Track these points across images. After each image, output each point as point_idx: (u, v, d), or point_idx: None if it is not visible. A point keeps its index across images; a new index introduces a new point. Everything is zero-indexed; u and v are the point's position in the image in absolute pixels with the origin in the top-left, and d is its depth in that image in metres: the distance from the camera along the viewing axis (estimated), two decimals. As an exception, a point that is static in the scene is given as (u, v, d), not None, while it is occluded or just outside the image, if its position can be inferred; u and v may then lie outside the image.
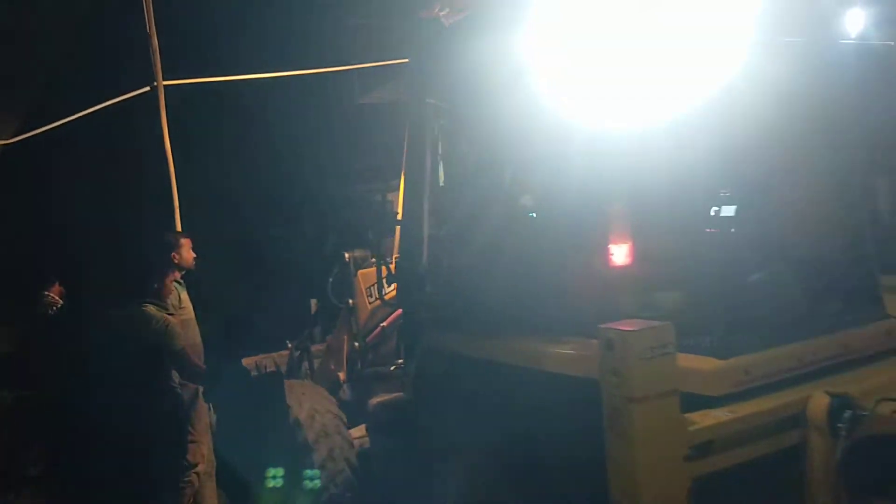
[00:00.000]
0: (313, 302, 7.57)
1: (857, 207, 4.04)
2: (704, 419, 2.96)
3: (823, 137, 3.94)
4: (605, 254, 3.15)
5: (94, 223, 9.68)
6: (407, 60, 4.71)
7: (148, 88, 7.35)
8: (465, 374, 3.84)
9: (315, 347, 7.37)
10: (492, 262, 3.67)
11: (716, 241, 3.50)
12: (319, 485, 5.33)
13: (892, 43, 3.89)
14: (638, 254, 3.20)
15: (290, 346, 7.33)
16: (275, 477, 5.40)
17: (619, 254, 3.17)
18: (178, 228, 7.00)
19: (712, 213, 3.98)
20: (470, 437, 3.77)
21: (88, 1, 8.69)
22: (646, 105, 3.26)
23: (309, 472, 5.32)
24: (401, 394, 5.06)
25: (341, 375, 6.33)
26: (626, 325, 2.79)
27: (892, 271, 4.10)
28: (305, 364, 7.27)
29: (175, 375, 5.60)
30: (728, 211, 3.90)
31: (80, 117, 7.76)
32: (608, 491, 2.85)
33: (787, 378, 3.35)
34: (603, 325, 2.84)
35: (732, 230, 3.72)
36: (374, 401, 5.35)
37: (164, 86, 7.32)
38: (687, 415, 2.97)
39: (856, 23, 3.94)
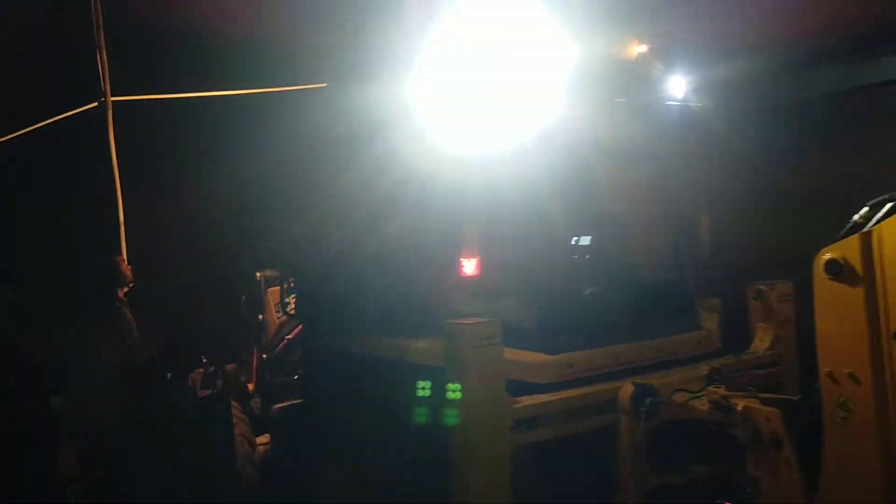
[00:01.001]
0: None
1: (680, 239, 4.81)
2: (528, 400, 3.59)
3: (654, 181, 4.72)
4: (457, 266, 3.78)
5: (37, 241, 9.37)
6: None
7: (96, 104, 7.06)
8: (349, 370, 4.41)
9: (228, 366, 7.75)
10: (369, 274, 4.27)
11: (554, 259, 4.18)
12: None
13: (706, 104, 4.67)
14: (484, 266, 3.84)
15: (204, 360, 7.69)
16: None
17: (469, 266, 3.80)
18: (123, 248, 6.88)
19: (572, 241, 4.73)
20: (353, 422, 4.32)
21: (38, 14, 8.28)
22: (495, 141, 3.94)
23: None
24: (300, 399, 5.58)
25: (251, 386, 6.77)
26: (463, 321, 3.42)
27: (710, 294, 4.89)
28: (219, 379, 7.66)
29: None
30: (585, 240, 4.65)
31: (27, 133, 7.53)
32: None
33: (607, 373, 4.03)
34: (446, 321, 3.46)
35: (575, 254, 4.45)
36: (277, 407, 5.84)
37: (113, 102, 7.04)
38: (516, 397, 3.60)
39: (679, 88, 4.73)
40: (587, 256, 4.48)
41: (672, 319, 4.56)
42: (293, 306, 5.33)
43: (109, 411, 5.26)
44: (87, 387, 5.32)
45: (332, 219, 4.31)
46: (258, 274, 6.27)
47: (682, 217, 4.85)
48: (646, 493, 3.78)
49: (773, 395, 3.62)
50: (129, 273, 5.84)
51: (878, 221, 3.04)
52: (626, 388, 3.83)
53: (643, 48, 4.36)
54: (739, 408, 3.52)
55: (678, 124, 4.71)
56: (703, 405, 3.75)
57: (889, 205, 3.07)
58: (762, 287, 4.69)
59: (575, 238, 4.74)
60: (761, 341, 4.69)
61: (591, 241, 4.71)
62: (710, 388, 3.80)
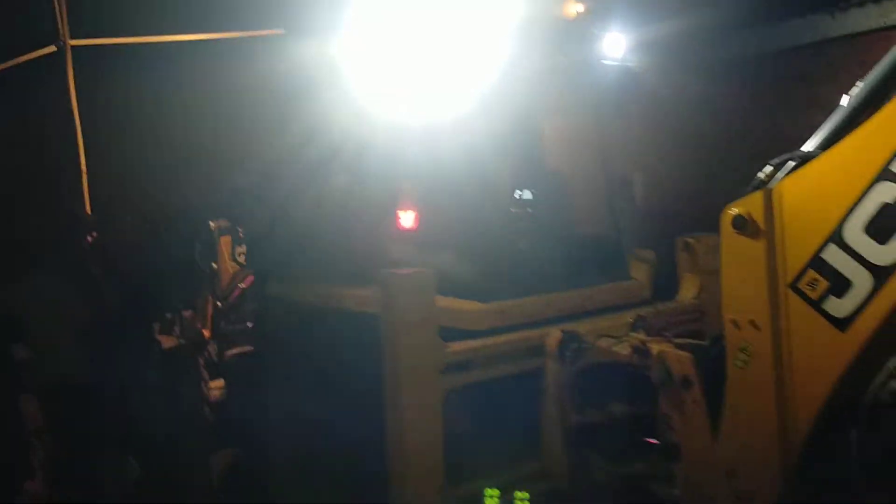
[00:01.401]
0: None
1: (614, 194, 5.02)
2: (460, 346, 3.81)
3: (589, 140, 4.90)
4: (395, 218, 3.95)
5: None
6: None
7: (54, 48, 6.70)
8: (295, 318, 4.58)
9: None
10: (312, 225, 4.42)
11: (490, 213, 4.37)
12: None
13: (643, 63, 4.83)
14: (422, 219, 4.01)
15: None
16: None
17: (406, 219, 3.97)
18: (86, 198, 6.76)
19: (516, 195, 4.92)
20: (298, 368, 4.51)
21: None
22: (434, 100, 4.07)
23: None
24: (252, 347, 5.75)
25: (206, 333, 6.90)
26: (397, 271, 3.60)
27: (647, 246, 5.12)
28: (177, 326, 7.79)
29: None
30: (522, 194, 4.84)
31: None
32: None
33: (538, 320, 4.25)
34: (382, 271, 3.64)
35: (512, 208, 4.63)
36: (230, 353, 6.00)
37: (72, 45, 6.71)
38: (450, 342, 3.82)
39: (617, 46, 4.86)
40: (524, 210, 4.68)
41: (604, 270, 4.79)
42: (243, 255, 5.46)
43: (75, 363, 5.36)
44: (51, 337, 5.37)
45: (275, 170, 4.42)
46: (212, 223, 6.34)
47: (617, 173, 5.06)
48: (569, 430, 4.05)
49: (686, 341, 3.87)
50: (93, 220, 5.88)
51: (779, 179, 3.26)
52: (554, 334, 4.07)
53: (580, 7, 4.47)
54: (654, 352, 3.78)
55: (615, 83, 4.87)
56: (624, 350, 3.99)
57: (791, 164, 3.28)
58: (689, 240, 4.94)
59: (515, 192, 4.94)
60: (687, 291, 4.96)
61: (528, 195, 4.91)
62: (632, 334, 4.06)
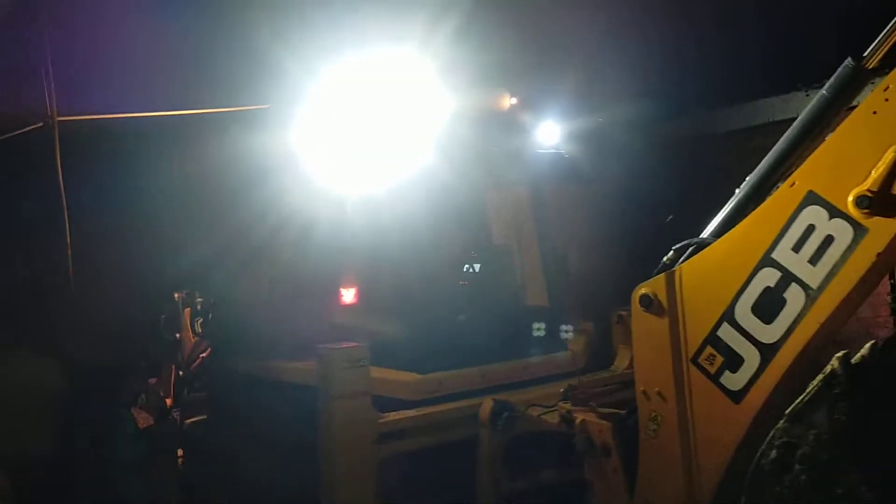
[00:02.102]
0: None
1: (551, 271, 5.30)
2: (394, 416, 4.00)
3: (525, 219, 5.21)
4: (337, 294, 4.19)
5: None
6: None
7: (41, 124, 6.67)
8: (243, 388, 4.76)
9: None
10: (259, 299, 4.64)
11: (428, 288, 4.62)
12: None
13: (574, 149, 5.19)
14: (363, 295, 4.25)
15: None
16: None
17: (348, 295, 4.21)
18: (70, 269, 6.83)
19: (465, 269, 5.18)
20: (245, 437, 4.66)
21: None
22: (375, 183, 4.37)
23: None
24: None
25: (168, 401, 7.03)
26: (334, 345, 3.83)
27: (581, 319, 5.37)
28: (142, 394, 7.89)
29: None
30: (463, 269, 5.11)
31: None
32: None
33: (476, 390, 4.46)
34: (319, 345, 3.86)
35: (451, 283, 4.90)
36: (188, 421, 6.14)
37: (60, 122, 6.66)
38: (387, 412, 4.01)
39: (551, 135, 5.21)
40: (462, 284, 4.94)
41: (541, 342, 5.02)
42: (200, 327, 5.65)
43: (42, 437, 5.39)
44: (20, 412, 5.35)
45: (227, 247, 4.66)
46: (176, 294, 6.54)
47: (553, 251, 5.35)
48: (501, 496, 4.22)
49: (609, 410, 4.08)
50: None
51: (680, 263, 3.54)
52: (486, 404, 4.28)
53: (514, 100, 4.83)
54: (578, 421, 4.00)
55: (549, 167, 5.21)
56: (553, 419, 4.20)
57: (690, 249, 3.57)
58: (622, 313, 5.20)
59: (463, 266, 5.22)
60: (621, 361, 5.20)
61: (467, 270, 5.19)
62: (560, 404, 4.27)
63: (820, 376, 2.79)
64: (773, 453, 2.91)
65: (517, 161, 4.99)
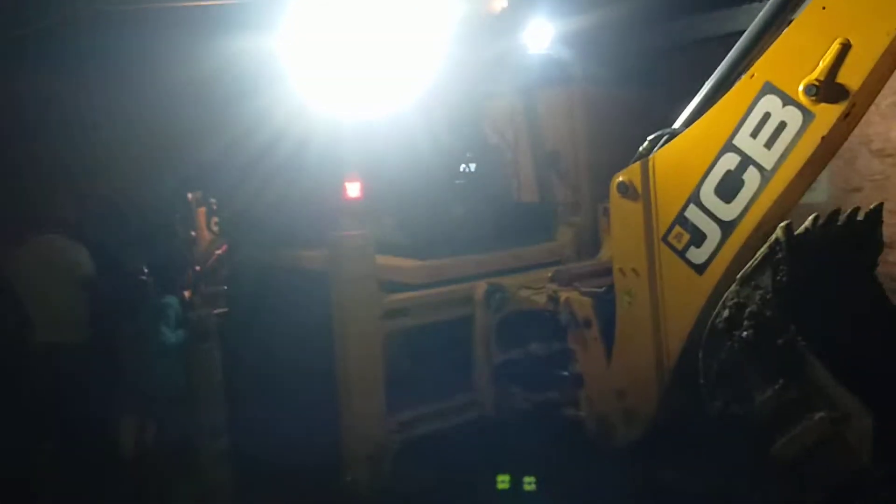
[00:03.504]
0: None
1: (543, 168, 5.65)
2: (398, 296, 4.44)
3: (520, 120, 5.51)
4: (343, 189, 4.54)
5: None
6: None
7: None
8: (262, 278, 5.19)
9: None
10: (274, 197, 5.01)
11: (429, 183, 4.97)
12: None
13: (567, 52, 5.41)
14: (367, 190, 4.60)
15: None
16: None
17: (353, 189, 4.55)
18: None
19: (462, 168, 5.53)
20: (267, 322, 5.10)
21: None
22: (376, 90, 4.65)
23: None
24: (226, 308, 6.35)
25: (188, 294, 7.50)
26: (341, 234, 4.22)
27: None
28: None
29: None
30: (462, 167, 5.45)
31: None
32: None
33: (471, 276, 4.88)
34: (330, 234, 4.25)
35: (451, 180, 5.24)
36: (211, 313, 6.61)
37: None
38: (389, 293, 4.45)
39: (543, 37, 5.42)
40: (461, 181, 5.30)
41: (531, 233, 5.41)
42: (217, 225, 6.02)
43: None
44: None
45: (237, 148, 4.98)
46: (189, 195, 6.86)
47: (546, 148, 5.68)
48: (494, 366, 4.71)
49: (591, 289, 4.51)
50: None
51: (654, 152, 3.88)
52: (481, 286, 4.71)
53: (504, 3, 5.04)
54: (562, 298, 4.43)
55: (540, 69, 5.46)
56: (541, 298, 4.64)
57: (663, 139, 3.90)
58: (607, 206, 5.56)
59: (461, 166, 5.57)
60: (606, 250, 5.60)
61: (467, 168, 5.54)
62: (547, 285, 4.71)
63: (766, 244, 3.18)
64: (726, 313, 3.33)
65: (509, 65, 5.23)
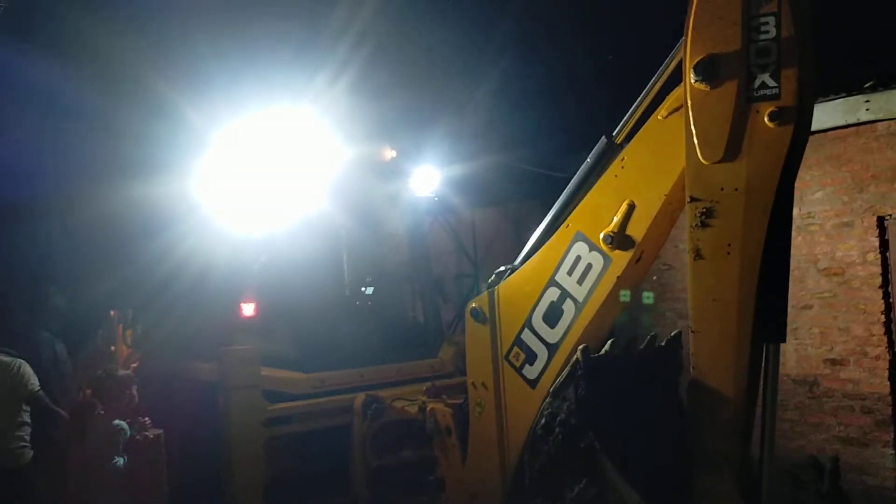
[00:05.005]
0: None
1: (426, 295, 6.29)
2: (280, 405, 4.90)
3: (407, 251, 6.19)
4: (239, 309, 5.07)
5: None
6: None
7: None
8: (167, 387, 5.57)
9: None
10: (177, 312, 5.50)
11: (317, 304, 5.54)
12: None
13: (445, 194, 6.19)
14: (260, 310, 5.14)
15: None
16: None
17: (248, 309, 5.09)
18: None
19: (362, 289, 6.11)
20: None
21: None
22: (269, 221, 5.27)
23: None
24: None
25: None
26: (230, 348, 4.72)
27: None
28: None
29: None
30: (369, 290, 6.04)
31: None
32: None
33: (354, 387, 5.36)
34: (220, 348, 4.75)
35: (343, 302, 5.82)
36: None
37: None
38: (276, 403, 4.90)
39: (429, 182, 6.19)
40: (362, 301, 5.88)
41: (416, 350, 5.97)
42: (129, 338, 6.43)
43: None
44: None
45: (147, 270, 5.49)
46: (112, 312, 7.27)
47: (429, 275, 6.35)
48: (370, 472, 5.13)
49: (454, 401, 5.04)
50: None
51: (499, 284, 4.54)
52: (359, 397, 5.19)
53: (394, 153, 5.82)
54: (428, 409, 4.95)
55: (422, 209, 6.21)
56: (413, 409, 5.14)
57: (507, 273, 4.57)
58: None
59: (361, 288, 6.16)
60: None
61: (365, 290, 6.14)
62: (419, 397, 5.22)
63: (569, 364, 3.81)
64: (543, 420, 3.90)
65: (398, 204, 5.97)
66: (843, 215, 7.17)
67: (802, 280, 7.33)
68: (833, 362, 7.18)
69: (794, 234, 7.33)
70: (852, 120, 6.98)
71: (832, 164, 7.16)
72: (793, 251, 7.90)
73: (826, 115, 7.06)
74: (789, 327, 7.36)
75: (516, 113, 7.91)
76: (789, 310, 7.69)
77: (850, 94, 6.97)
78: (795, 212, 7.15)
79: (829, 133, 7.11)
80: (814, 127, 7.50)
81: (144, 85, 5.87)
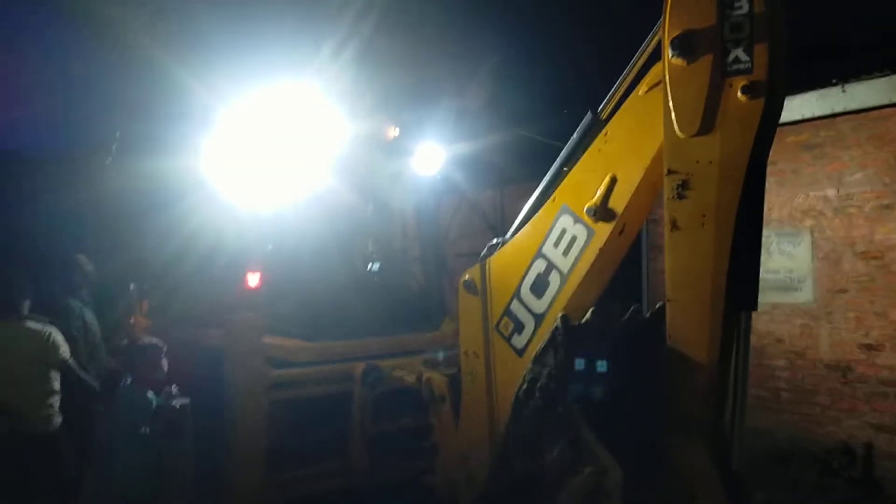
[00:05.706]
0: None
1: (432, 273, 6.43)
2: (284, 371, 5.09)
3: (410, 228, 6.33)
4: (245, 280, 5.26)
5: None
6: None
7: None
8: (182, 353, 5.80)
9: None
10: (190, 284, 5.72)
11: (321, 276, 5.71)
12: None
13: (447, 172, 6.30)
14: (266, 281, 5.32)
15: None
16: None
17: (253, 280, 5.27)
18: None
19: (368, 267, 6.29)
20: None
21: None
22: (277, 193, 5.43)
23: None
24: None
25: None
26: (234, 317, 4.92)
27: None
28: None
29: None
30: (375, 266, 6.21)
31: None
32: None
33: (355, 357, 5.53)
34: (226, 317, 4.95)
35: (344, 274, 5.99)
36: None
37: None
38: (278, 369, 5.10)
39: (433, 160, 6.30)
40: (355, 276, 6.05)
41: (418, 323, 6.12)
42: (146, 308, 6.69)
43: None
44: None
45: (161, 243, 5.71)
46: (131, 286, 7.54)
47: (435, 252, 6.49)
48: (368, 438, 5.31)
49: (452, 370, 5.19)
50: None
51: (490, 256, 4.67)
52: (359, 366, 5.37)
53: (397, 131, 5.94)
54: (425, 378, 5.11)
55: (428, 187, 6.33)
56: (410, 378, 5.30)
57: (498, 245, 4.69)
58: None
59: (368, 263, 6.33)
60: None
61: (372, 265, 6.31)
62: (417, 367, 5.39)
63: (549, 332, 3.93)
64: (525, 386, 4.03)
65: (401, 182, 6.10)
66: (884, 197, 6.96)
67: (838, 263, 7.17)
68: (868, 347, 7.05)
69: (831, 215, 7.41)
70: (896, 99, 6.74)
71: (873, 144, 6.94)
72: (829, 233, 7.96)
73: (867, 93, 6.88)
74: (822, 311, 7.41)
75: (534, 87, 7.89)
76: (823, 293, 7.64)
77: (893, 73, 6.75)
78: (833, 193, 7.25)
79: (871, 113, 6.91)
80: (855, 106, 7.51)
81: (151, 60, 6.06)
